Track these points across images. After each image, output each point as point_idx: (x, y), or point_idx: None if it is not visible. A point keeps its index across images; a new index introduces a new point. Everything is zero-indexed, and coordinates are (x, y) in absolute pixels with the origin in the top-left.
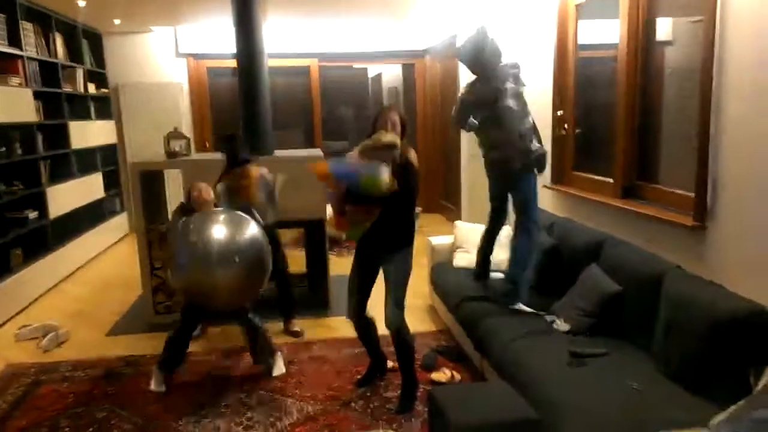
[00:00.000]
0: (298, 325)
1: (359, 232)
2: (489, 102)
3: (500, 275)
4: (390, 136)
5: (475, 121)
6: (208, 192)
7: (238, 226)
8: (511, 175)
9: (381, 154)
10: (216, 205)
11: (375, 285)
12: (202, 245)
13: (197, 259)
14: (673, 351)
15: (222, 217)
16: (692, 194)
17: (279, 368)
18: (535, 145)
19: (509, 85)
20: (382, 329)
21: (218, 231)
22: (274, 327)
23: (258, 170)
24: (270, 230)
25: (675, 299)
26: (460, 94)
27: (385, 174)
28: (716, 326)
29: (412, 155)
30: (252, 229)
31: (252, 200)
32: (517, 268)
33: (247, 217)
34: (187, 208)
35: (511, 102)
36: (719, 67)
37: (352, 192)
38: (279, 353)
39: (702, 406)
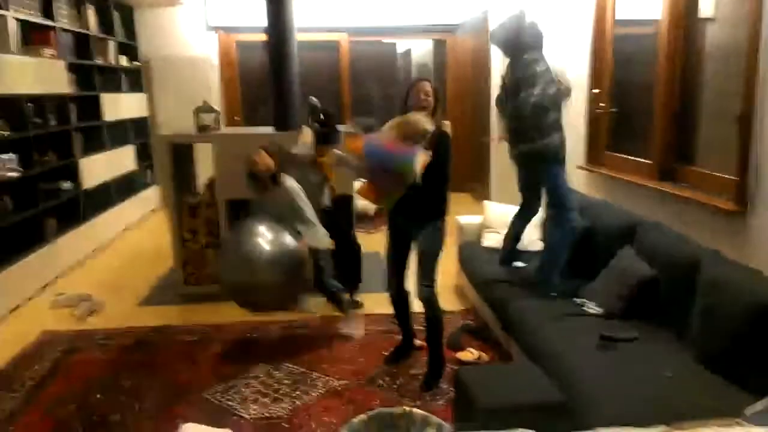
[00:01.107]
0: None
1: (391, 201)
2: (516, 90)
3: (523, 263)
4: (427, 124)
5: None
6: (264, 158)
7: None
8: (535, 167)
9: (415, 138)
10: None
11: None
12: (250, 254)
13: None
14: (709, 337)
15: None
16: (733, 178)
17: (355, 330)
18: (554, 139)
19: (541, 74)
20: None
21: (264, 244)
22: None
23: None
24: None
25: (712, 284)
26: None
27: (418, 164)
28: (755, 313)
29: (447, 126)
30: (291, 242)
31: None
32: (550, 260)
33: (285, 230)
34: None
35: (537, 92)
36: (766, 45)
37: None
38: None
39: (737, 394)
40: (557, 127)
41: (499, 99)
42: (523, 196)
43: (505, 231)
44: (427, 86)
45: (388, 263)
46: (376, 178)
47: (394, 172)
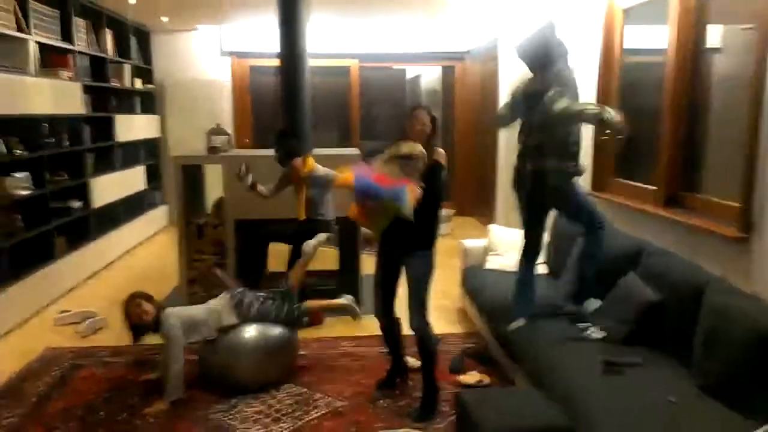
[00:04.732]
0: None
1: (380, 227)
2: (541, 103)
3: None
4: (407, 147)
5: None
6: (146, 308)
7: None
8: (553, 188)
9: (402, 164)
10: None
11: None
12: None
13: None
14: (713, 364)
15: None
16: (738, 205)
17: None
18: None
19: (572, 82)
20: (407, 330)
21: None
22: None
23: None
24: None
25: (716, 311)
26: (513, 89)
27: (408, 201)
28: (758, 341)
29: (440, 156)
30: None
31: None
32: (589, 267)
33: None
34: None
35: (565, 106)
36: None
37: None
38: None
39: (740, 422)
40: (578, 145)
41: (510, 109)
42: (526, 232)
43: (508, 254)
44: (424, 115)
45: (377, 289)
46: (366, 205)
47: (383, 206)
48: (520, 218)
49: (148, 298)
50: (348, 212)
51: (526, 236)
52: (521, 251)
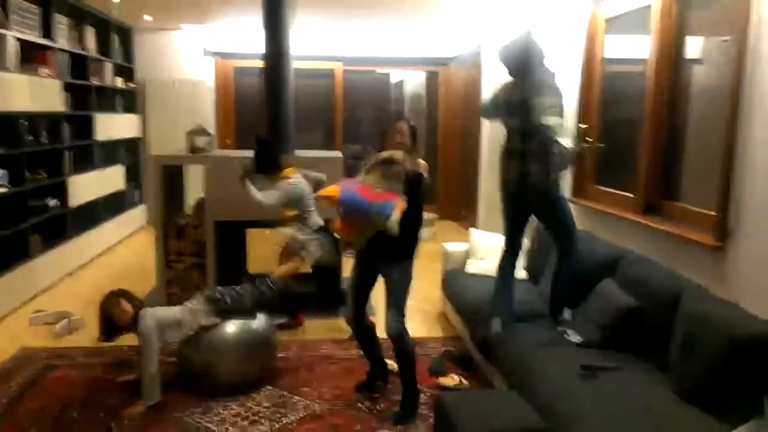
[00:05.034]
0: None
1: (363, 239)
2: (524, 110)
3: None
4: (388, 152)
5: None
6: (125, 307)
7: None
8: (541, 200)
9: (384, 170)
10: None
11: (376, 290)
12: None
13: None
14: (688, 370)
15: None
16: (714, 213)
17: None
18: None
19: (549, 93)
20: (382, 334)
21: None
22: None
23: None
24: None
25: (692, 317)
26: (495, 89)
27: (395, 215)
28: (733, 347)
29: (422, 167)
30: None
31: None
32: (561, 294)
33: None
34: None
35: (549, 114)
36: (749, 86)
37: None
38: None
39: (716, 426)
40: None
41: (489, 107)
42: (507, 244)
43: (489, 258)
44: (404, 126)
45: (351, 294)
46: (350, 219)
47: (369, 220)
48: (502, 221)
49: (128, 296)
50: (332, 228)
51: (507, 239)
52: (501, 254)
